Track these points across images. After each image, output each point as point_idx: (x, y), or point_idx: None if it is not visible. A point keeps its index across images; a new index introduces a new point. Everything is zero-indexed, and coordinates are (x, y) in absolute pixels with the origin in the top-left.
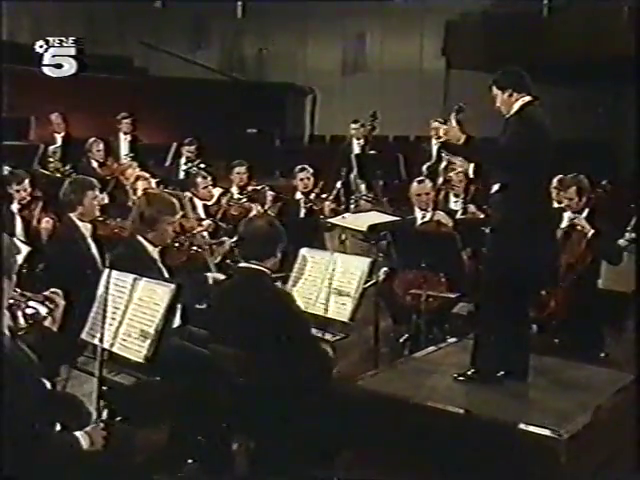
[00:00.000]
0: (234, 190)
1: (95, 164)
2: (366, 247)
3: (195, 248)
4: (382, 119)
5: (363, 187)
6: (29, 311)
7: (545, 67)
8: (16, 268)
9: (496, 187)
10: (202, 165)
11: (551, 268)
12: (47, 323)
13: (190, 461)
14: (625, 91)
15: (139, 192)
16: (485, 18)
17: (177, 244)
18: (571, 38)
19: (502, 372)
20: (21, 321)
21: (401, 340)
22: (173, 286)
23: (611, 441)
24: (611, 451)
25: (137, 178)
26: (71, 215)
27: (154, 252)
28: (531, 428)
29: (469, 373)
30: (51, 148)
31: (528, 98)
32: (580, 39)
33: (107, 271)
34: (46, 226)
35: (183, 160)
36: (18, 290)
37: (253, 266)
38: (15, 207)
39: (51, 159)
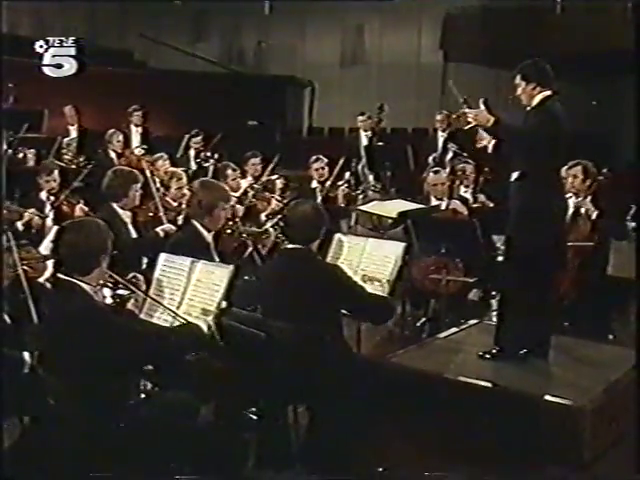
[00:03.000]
0: (251, 181)
1: (113, 155)
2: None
3: (245, 236)
4: None
5: (371, 178)
6: (118, 292)
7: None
8: (110, 249)
9: (515, 175)
10: (216, 156)
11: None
12: (130, 306)
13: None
14: (621, 84)
15: (172, 190)
16: (482, 12)
17: (228, 231)
18: (569, 32)
19: (524, 350)
20: (108, 300)
21: (418, 324)
22: (232, 267)
23: (627, 414)
24: (627, 423)
25: (171, 176)
26: (112, 204)
27: (208, 237)
28: (557, 400)
29: (493, 351)
30: (65, 140)
31: (549, 92)
32: (578, 33)
33: (163, 255)
34: (80, 213)
35: (192, 152)
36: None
37: (300, 246)
38: (44, 195)
39: (65, 151)
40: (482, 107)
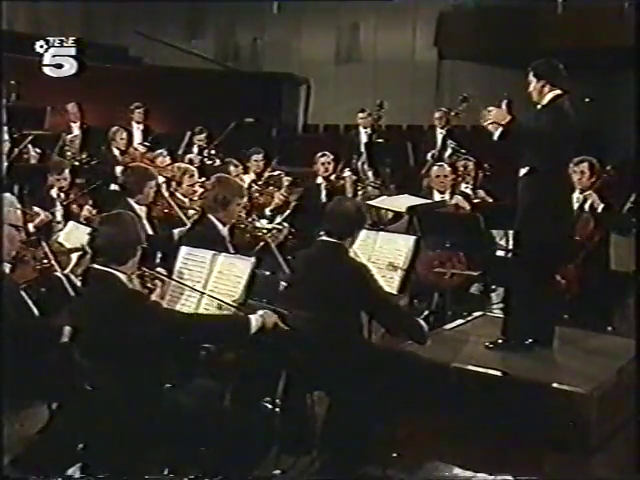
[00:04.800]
0: (252, 177)
1: (117, 152)
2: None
3: (260, 233)
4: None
5: (370, 174)
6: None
7: (535, 57)
8: (143, 240)
9: (524, 170)
10: (219, 153)
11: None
12: (154, 297)
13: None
14: (615, 82)
15: (184, 186)
16: (476, 10)
17: (242, 225)
18: (563, 29)
19: (530, 340)
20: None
21: (422, 316)
22: (253, 259)
23: (630, 401)
24: (630, 410)
25: (184, 172)
26: (128, 199)
27: (224, 230)
28: (564, 387)
29: (500, 341)
30: (68, 137)
31: (559, 91)
32: (572, 31)
33: (184, 248)
34: (87, 214)
35: (195, 149)
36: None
37: (333, 240)
38: (54, 192)
39: (67, 147)
40: (503, 106)
